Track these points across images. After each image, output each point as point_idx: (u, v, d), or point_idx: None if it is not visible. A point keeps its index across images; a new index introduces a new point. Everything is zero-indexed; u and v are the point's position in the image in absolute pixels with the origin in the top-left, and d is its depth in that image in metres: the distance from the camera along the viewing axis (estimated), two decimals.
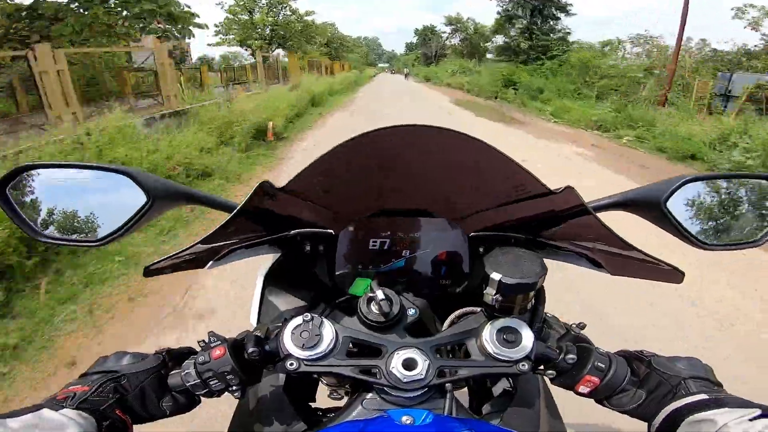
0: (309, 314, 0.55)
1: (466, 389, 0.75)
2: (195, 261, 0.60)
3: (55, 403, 0.47)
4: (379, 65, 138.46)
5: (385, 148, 0.58)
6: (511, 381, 0.69)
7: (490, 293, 0.53)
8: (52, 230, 0.58)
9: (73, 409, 0.46)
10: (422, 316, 0.63)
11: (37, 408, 0.45)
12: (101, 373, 0.53)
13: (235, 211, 0.50)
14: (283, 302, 0.73)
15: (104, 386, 0.51)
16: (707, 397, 0.49)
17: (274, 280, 0.74)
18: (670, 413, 0.50)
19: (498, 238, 0.72)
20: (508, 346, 0.54)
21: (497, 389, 0.71)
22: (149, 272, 0.56)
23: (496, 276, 0.52)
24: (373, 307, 0.58)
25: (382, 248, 0.77)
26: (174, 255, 0.54)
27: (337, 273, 0.77)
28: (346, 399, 0.85)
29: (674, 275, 0.58)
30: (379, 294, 0.57)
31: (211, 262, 0.62)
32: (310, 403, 0.74)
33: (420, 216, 0.77)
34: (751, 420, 0.43)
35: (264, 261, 0.76)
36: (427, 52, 65.81)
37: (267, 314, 0.72)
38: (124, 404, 0.52)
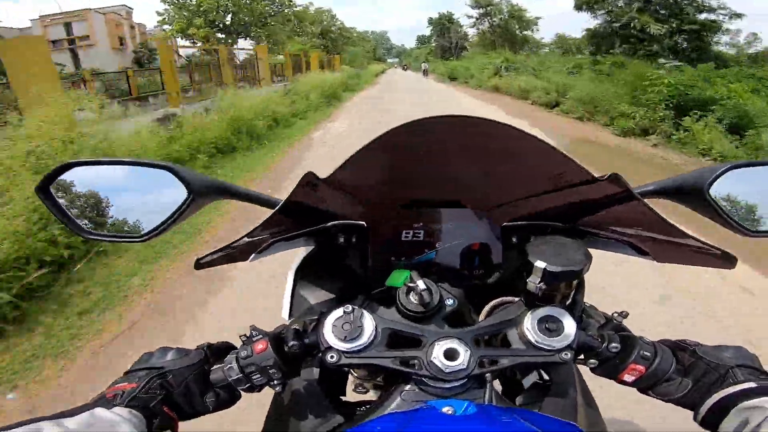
0: (350, 306, 0.55)
1: (496, 382, 0.75)
2: (240, 254, 0.61)
3: (106, 402, 0.48)
4: (389, 60, 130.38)
5: (418, 140, 0.58)
6: (544, 372, 0.69)
7: (534, 281, 0.53)
8: (96, 227, 0.59)
9: (124, 407, 0.47)
10: (459, 306, 0.63)
11: (90, 407, 0.46)
12: (146, 369, 0.54)
13: (282, 202, 0.51)
14: (314, 296, 0.73)
15: (151, 383, 0.52)
16: (755, 385, 0.49)
17: (304, 273, 0.75)
18: (718, 401, 0.50)
19: (533, 227, 0.72)
20: (550, 335, 0.54)
21: (527, 382, 0.71)
22: (200, 265, 0.57)
23: (540, 264, 0.51)
24: (413, 298, 0.58)
25: (415, 239, 0.77)
26: (222, 248, 0.55)
27: (370, 265, 0.77)
28: (372, 392, 0.86)
29: (725, 260, 0.56)
30: (420, 284, 0.57)
31: (253, 255, 0.63)
32: (341, 397, 0.75)
33: (452, 207, 0.77)
34: None
35: (295, 255, 0.77)
36: (444, 44, 58.34)
37: (298, 308, 0.72)
38: (170, 401, 0.52)
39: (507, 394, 0.71)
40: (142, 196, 0.61)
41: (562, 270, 0.51)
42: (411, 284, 0.58)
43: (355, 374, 0.78)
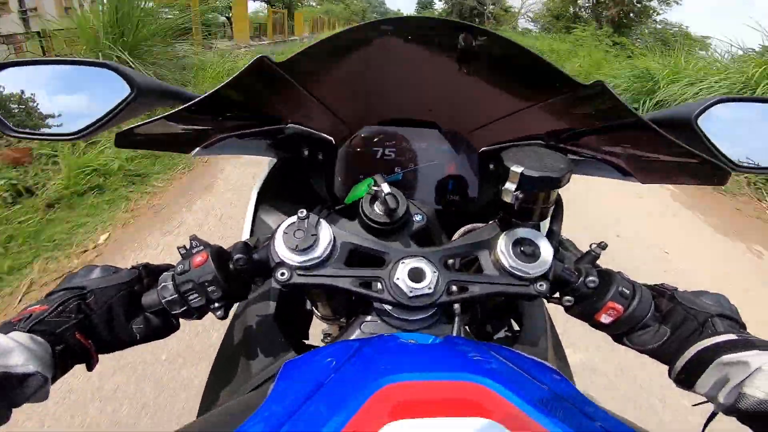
0: (304, 211, 0.48)
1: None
2: (179, 141, 0.53)
3: (5, 325, 0.40)
4: None
5: (393, 44, 0.50)
6: (516, 323, 0.65)
7: (509, 189, 0.47)
8: (25, 126, 0.53)
9: (26, 332, 0.39)
10: (429, 225, 0.56)
11: None
12: (65, 290, 0.46)
13: (227, 81, 0.43)
14: (277, 220, 0.66)
15: (65, 305, 0.43)
16: (736, 337, 0.44)
17: (268, 196, 0.69)
18: (696, 353, 0.45)
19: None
20: (525, 260, 0.49)
21: (498, 332, 0.67)
22: (122, 140, 0.46)
23: (517, 168, 0.46)
24: (377, 207, 0.52)
25: (387, 158, 0.71)
26: (153, 120, 0.44)
27: (336, 182, 0.71)
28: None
29: (717, 174, 0.49)
30: (385, 187, 0.50)
31: (198, 149, 0.55)
32: (304, 341, 0.69)
33: (428, 127, 0.72)
34: None
35: (258, 176, 0.71)
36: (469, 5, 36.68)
37: (259, 231, 0.66)
38: (86, 327, 0.44)
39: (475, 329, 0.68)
40: (83, 95, 0.55)
41: (541, 175, 0.45)
42: (375, 188, 0.51)
43: (319, 313, 0.73)
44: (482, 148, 0.69)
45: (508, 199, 0.47)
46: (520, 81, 0.53)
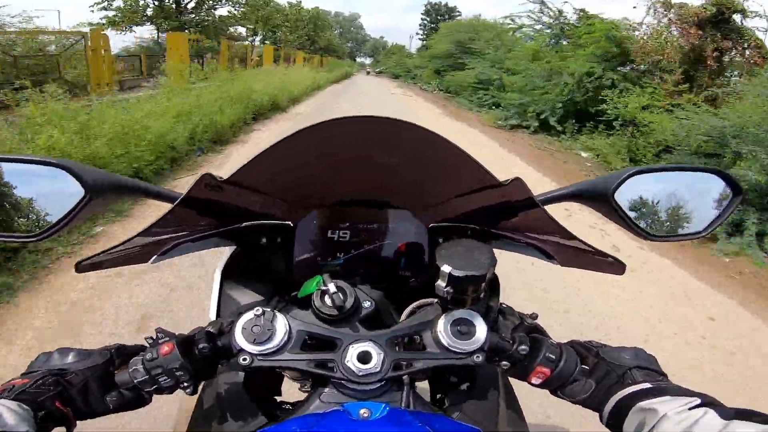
0: (260, 308, 0.54)
1: (426, 384, 0.75)
2: (137, 255, 0.57)
3: None
4: (359, 60, 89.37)
5: (342, 139, 0.57)
6: (469, 375, 0.70)
7: (441, 286, 0.53)
8: None
9: (11, 399, 0.45)
10: (379, 308, 0.62)
11: None
12: (43, 370, 0.51)
13: (176, 202, 0.49)
14: (242, 296, 0.71)
15: (45, 380, 0.49)
16: (651, 385, 0.51)
17: (232, 274, 0.72)
18: (618, 402, 0.52)
19: (455, 230, 0.72)
20: (462, 338, 0.55)
21: (459, 382, 0.72)
22: (82, 268, 0.53)
23: (446, 269, 0.52)
24: (327, 300, 0.57)
25: (342, 239, 0.76)
26: (110, 250, 0.51)
27: (296, 265, 0.75)
28: None
29: (616, 267, 0.59)
30: (331, 287, 0.56)
31: (155, 257, 0.60)
32: (276, 397, 0.73)
33: (380, 207, 0.76)
34: (690, 409, 0.45)
35: (221, 255, 0.74)
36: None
37: (226, 309, 0.70)
38: (65, 398, 0.50)
39: (440, 393, 0.72)
40: (39, 194, 0.56)
41: (466, 274, 0.52)
42: (324, 287, 0.57)
43: (288, 375, 0.76)
44: (431, 225, 0.74)
45: (440, 294, 0.54)
46: (457, 172, 0.58)
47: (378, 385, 0.54)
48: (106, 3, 19.76)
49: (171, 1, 21.23)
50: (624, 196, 0.58)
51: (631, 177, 0.58)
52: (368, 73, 55.58)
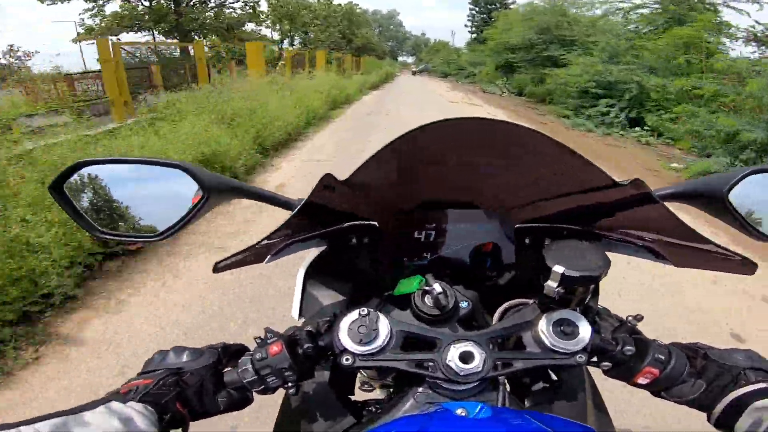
0: (365, 309, 0.55)
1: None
2: (256, 256, 0.61)
3: (120, 397, 0.48)
4: (400, 59, 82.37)
5: (433, 142, 0.58)
6: (554, 374, 0.69)
7: (551, 286, 0.53)
8: (110, 226, 0.59)
9: (138, 401, 0.48)
10: (474, 308, 0.63)
11: (105, 401, 0.47)
12: (163, 369, 0.55)
13: (299, 206, 0.51)
14: (325, 296, 0.73)
15: (166, 380, 0.52)
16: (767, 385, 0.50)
17: (314, 273, 0.75)
18: (732, 401, 0.51)
19: (548, 230, 0.71)
20: (565, 338, 0.54)
21: (536, 384, 0.71)
22: (218, 269, 0.57)
23: (559, 269, 0.51)
24: (428, 301, 0.58)
25: (428, 240, 0.77)
26: (241, 252, 0.55)
27: (381, 265, 0.77)
28: (378, 390, 0.87)
29: (745, 266, 0.56)
30: (437, 287, 0.57)
31: (269, 257, 0.63)
32: (350, 397, 0.75)
33: (465, 208, 0.76)
34: None
35: (306, 254, 0.76)
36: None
37: (308, 308, 0.72)
38: (183, 398, 0.53)
39: (515, 395, 0.71)
40: (157, 194, 0.60)
41: (581, 275, 0.51)
42: (427, 287, 0.58)
43: (365, 374, 0.78)
44: (518, 225, 0.73)
45: (550, 294, 0.53)
46: (554, 169, 0.57)
47: (473, 385, 0.54)
48: (96, 10, 18.24)
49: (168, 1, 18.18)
50: (738, 196, 0.55)
51: (747, 176, 0.55)
52: (414, 73, 48.38)
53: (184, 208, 0.55)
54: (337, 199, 0.61)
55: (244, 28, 22.92)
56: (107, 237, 0.58)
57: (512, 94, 15.93)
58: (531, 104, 13.46)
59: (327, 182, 0.51)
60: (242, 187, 0.60)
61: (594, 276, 0.51)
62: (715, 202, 0.55)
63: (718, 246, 0.52)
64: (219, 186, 0.56)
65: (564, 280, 0.51)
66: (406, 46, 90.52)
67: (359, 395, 0.75)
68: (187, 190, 0.56)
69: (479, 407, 0.50)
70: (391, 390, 0.78)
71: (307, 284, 0.73)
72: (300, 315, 0.71)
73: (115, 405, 0.46)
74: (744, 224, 0.55)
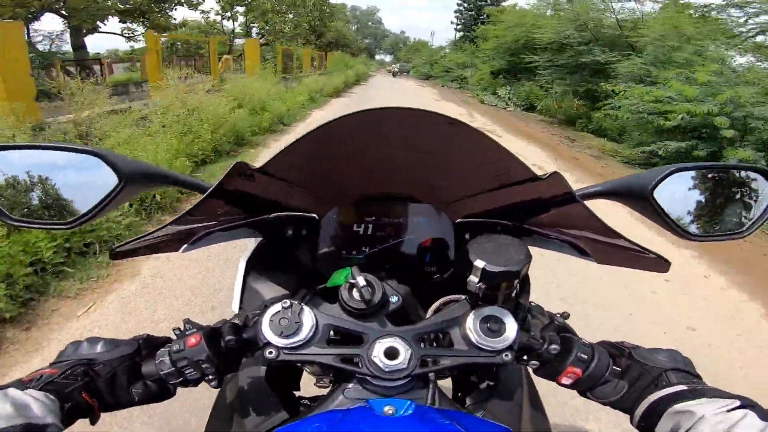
0: (288, 301, 0.53)
1: (450, 380, 0.75)
2: (169, 244, 0.58)
3: (20, 384, 0.46)
4: (377, 57, 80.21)
5: (369, 131, 0.57)
6: (491, 373, 0.69)
7: (473, 281, 0.52)
8: (20, 213, 0.56)
9: (39, 390, 0.46)
10: (405, 303, 0.62)
11: (2, 387, 0.44)
12: (73, 359, 0.52)
13: (208, 191, 0.49)
14: (266, 289, 0.71)
15: (73, 370, 0.50)
16: (686, 388, 0.49)
17: (256, 266, 0.73)
18: (651, 404, 0.50)
19: (484, 225, 0.71)
20: (491, 336, 0.54)
21: (483, 382, 0.71)
22: (116, 255, 0.54)
23: (479, 263, 0.51)
24: (355, 294, 0.57)
25: (366, 233, 0.75)
26: (143, 236, 0.51)
27: (320, 257, 0.75)
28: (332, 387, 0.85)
29: (660, 264, 0.57)
30: (360, 280, 0.56)
31: (185, 246, 0.60)
32: (295, 392, 0.73)
33: (406, 201, 0.75)
34: (728, 411, 0.44)
35: (246, 246, 0.74)
36: None
37: (250, 301, 0.70)
38: (92, 388, 0.51)
39: (462, 392, 0.71)
40: (72, 182, 0.57)
41: (501, 270, 0.50)
42: (352, 281, 0.57)
43: (308, 370, 0.76)
44: (457, 220, 0.73)
45: (472, 289, 0.52)
46: (487, 166, 0.57)
47: (403, 381, 0.53)
48: None
49: None
50: (663, 194, 0.56)
51: (671, 175, 0.56)
52: (393, 74, 40.62)
53: (100, 196, 0.53)
54: (260, 188, 0.59)
55: (171, 13, 18.63)
56: (16, 224, 0.55)
57: (518, 108, 12.27)
58: (542, 121, 10.06)
59: (241, 169, 0.49)
60: (163, 174, 0.57)
61: (513, 271, 0.50)
62: (641, 200, 0.56)
63: (634, 243, 0.53)
64: (136, 173, 0.54)
65: (485, 274, 0.51)
66: (384, 44, 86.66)
67: (313, 391, 0.74)
68: (105, 177, 0.53)
69: (407, 405, 0.49)
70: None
71: (249, 277, 0.71)
72: (241, 308, 0.69)
73: (12, 391, 0.44)
74: (668, 221, 0.56)
